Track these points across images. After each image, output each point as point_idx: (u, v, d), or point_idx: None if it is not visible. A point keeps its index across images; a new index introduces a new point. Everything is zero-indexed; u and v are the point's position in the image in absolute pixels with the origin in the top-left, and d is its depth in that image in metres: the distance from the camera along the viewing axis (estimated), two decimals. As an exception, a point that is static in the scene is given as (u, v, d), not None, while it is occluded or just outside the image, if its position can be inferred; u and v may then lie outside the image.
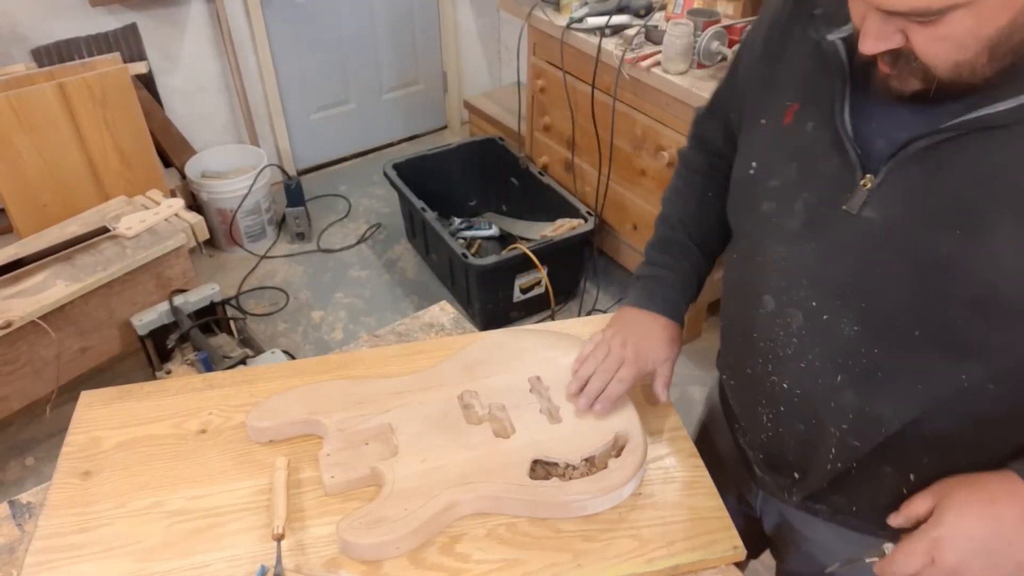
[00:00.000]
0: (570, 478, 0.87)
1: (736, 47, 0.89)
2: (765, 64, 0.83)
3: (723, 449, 1.03)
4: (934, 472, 0.75)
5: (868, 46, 0.64)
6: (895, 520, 0.75)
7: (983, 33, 0.60)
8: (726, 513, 0.88)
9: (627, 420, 0.93)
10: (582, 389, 0.94)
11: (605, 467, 0.88)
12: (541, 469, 0.88)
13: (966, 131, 0.65)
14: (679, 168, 1.06)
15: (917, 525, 0.73)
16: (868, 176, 0.71)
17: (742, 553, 0.84)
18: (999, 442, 0.74)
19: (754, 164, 0.82)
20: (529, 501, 0.85)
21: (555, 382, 0.98)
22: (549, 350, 1.04)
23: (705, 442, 1.07)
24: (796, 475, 0.88)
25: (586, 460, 0.89)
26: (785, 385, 0.82)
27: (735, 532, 0.86)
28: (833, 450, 0.80)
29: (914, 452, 0.76)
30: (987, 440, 0.74)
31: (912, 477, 0.78)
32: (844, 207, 0.72)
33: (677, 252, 1.01)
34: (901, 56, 0.64)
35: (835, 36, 0.72)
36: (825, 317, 0.75)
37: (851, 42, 0.70)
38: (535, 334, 1.09)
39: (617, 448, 0.90)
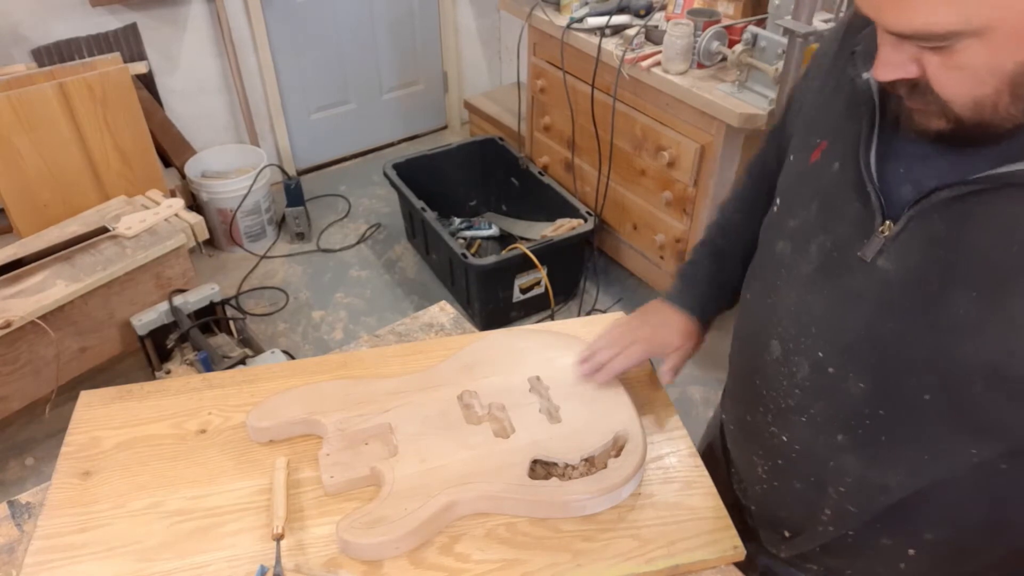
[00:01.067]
0: (569, 478, 0.87)
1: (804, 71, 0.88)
2: (811, 101, 0.80)
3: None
4: (938, 550, 0.72)
5: (880, 72, 0.61)
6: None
7: (1000, 67, 0.55)
8: (726, 513, 0.88)
9: (627, 420, 0.93)
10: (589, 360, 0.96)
11: (605, 467, 0.88)
12: (541, 469, 0.88)
13: (996, 186, 0.60)
14: (742, 175, 1.04)
15: None
16: (887, 223, 0.66)
17: (742, 553, 0.84)
18: (1015, 528, 0.69)
19: (778, 201, 0.80)
20: (529, 501, 0.85)
21: (555, 382, 0.98)
22: (549, 350, 1.04)
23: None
24: (787, 533, 0.86)
25: (586, 460, 0.89)
26: (784, 438, 0.79)
27: (735, 532, 0.86)
28: (828, 511, 0.78)
29: (916, 526, 0.73)
30: (1001, 523, 0.69)
31: (912, 552, 0.75)
32: (859, 253, 0.68)
33: (717, 256, 1.01)
34: (918, 88, 0.60)
35: (870, 74, 0.67)
36: (831, 370, 0.71)
37: (884, 84, 0.66)
38: (535, 334, 1.08)
39: (617, 448, 0.90)
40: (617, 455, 0.89)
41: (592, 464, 0.89)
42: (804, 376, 0.74)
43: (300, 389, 0.99)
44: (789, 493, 0.82)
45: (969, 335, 0.62)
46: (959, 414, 0.65)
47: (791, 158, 0.80)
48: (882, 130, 0.68)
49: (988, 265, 0.61)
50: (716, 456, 1.03)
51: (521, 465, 0.87)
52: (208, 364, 1.99)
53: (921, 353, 0.65)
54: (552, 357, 1.03)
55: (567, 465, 0.88)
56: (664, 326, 0.99)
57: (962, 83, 0.57)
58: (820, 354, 0.72)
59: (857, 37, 0.73)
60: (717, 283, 1.00)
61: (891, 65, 0.60)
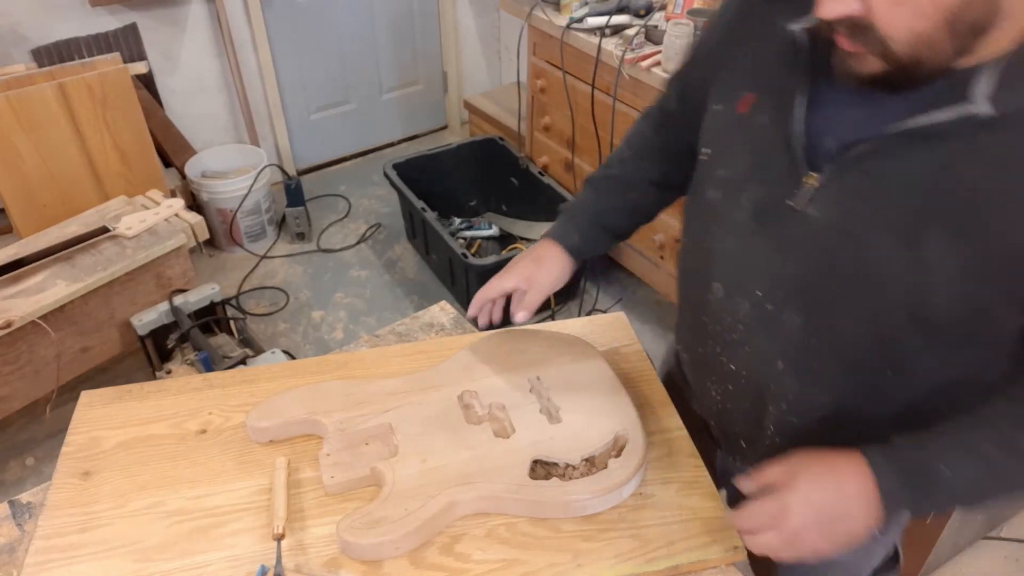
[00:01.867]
0: (570, 478, 0.87)
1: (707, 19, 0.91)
2: (727, 47, 0.83)
3: (682, 413, 1.04)
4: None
5: (825, 9, 0.62)
6: (746, 486, 0.77)
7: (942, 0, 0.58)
8: (726, 513, 0.88)
9: (627, 420, 0.93)
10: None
11: (605, 467, 0.88)
12: (541, 469, 0.88)
13: (907, 139, 0.65)
14: (637, 125, 1.06)
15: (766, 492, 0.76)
16: (813, 175, 0.71)
17: (742, 553, 0.84)
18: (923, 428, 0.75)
19: (706, 150, 0.84)
20: (529, 501, 0.85)
21: (555, 382, 0.98)
22: (549, 350, 1.04)
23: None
24: (743, 444, 0.94)
25: (586, 460, 0.89)
26: (732, 367, 0.87)
27: (735, 532, 0.86)
28: (772, 426, 0.86)
29: (848, 433, 0.77)
30: (914, 428, 0.75)
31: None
32: (789, 202, 0.73)
33: (600, 196, 1.04)
34: (858, 27, 0.62)
35: (800, 26, 0.71)
36: (769, 307, 0.78)
37: (815, 34, 0.69)
38: (535, 334, 1.09)
39: (617, 448, 0.90)
40: (618, 455, 0.89)
41: (593, 464, 0.89)
42: (745, 313, 0.81)
43: (300, 389, 0.99)
44: (740, 412, 0.90)
45: (889, 279, 0.68)
46: (882, 348, 0.72)
47: (717, 107, 0.82)
48: (813, 85, 0.71)
49: (902, 213, 0.66)
50: (676, 383, 1.07)
51: (522, 466, 0.87)
52: (208, 364, 1.99)
53: (848, 293, 0.71)
54: (552, 357, 1.03)
55: (567, 465, 0.88)
56: (539, 261, 1.00)
57: (904, 17, 0.59)
58: (758, 293, 0.78)
59: None
60: (598, 224, 1.03)
61: (836, 1, 0.62)
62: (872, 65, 0.64)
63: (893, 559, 1.01)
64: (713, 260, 0.83)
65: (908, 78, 0.63)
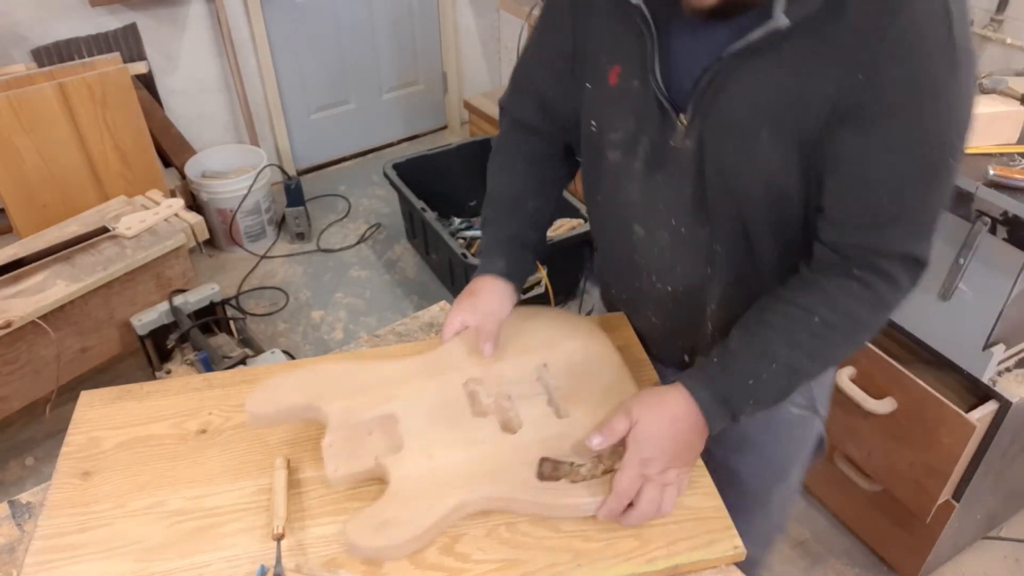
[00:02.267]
0: (578, 475, 0.86)
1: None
2: (573, 36, 0.93)
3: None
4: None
5: None
6: (597, 442, 0.84)
7: None
8: (726, 513, 0.88)
9: None
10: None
11: (612, 466, 0.87)
12: (548, 465, 0.88)
13: (736, 59, 0.76)
14: (499, 151, 1.14)
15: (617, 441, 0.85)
16: (681, 115, 0.83)
17: (742, 553, 0.84)
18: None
19: (593, 123, 0.94)
20: (537, 503, 0.85)
21: (562, 369, 0.98)
22: (555, 331, 1.03)
23: None
24: (686, 357, 1.05)
25: (595, 457, 0.88)
26: (669, 288, 0.98)
27: (735, 532, 0.86)
28: (710, 325, 0.98)
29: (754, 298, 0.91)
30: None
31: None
32: (672, 143, 0.86)
33: (512, 215, 1.09)
34: None
35: None
36: (683, 231, 0.91)
37: (651, 1, 0.80)
38: (542, 313, 1.08)
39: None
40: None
41: (600, 460, 0.88)
42: (667, 241, 0.93)
43: (301, 372, 0.97)
44: (681, 326, 1.02)
45: (742, 177, 0.82)
46: (766, 233, 0.87)
47: (588, 86, 0.93)
48: (660, 42, 0.82)
49: (742, 123, 0.80)
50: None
51: (530, 465, 0.87)
52: (208, 364, 1.99)
53: (725, 198, 0.85)
54: (559, 340, 1.02)
55: (574, 463, 0.87)
56: (475, 294, 1.02)
57: None
58: (672, 222, 0.91)
59: None
60: (515, 245, 1.07)
61: None
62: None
63: (820, 444, 1.13)
64: (627, 208, 0.95)
65: (738, 5, 0.74)
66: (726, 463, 1.08)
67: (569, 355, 1.00)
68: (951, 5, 0.70)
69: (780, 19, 0.72)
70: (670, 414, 0.84)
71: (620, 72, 0.88)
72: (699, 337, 1.01)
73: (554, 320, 1.06)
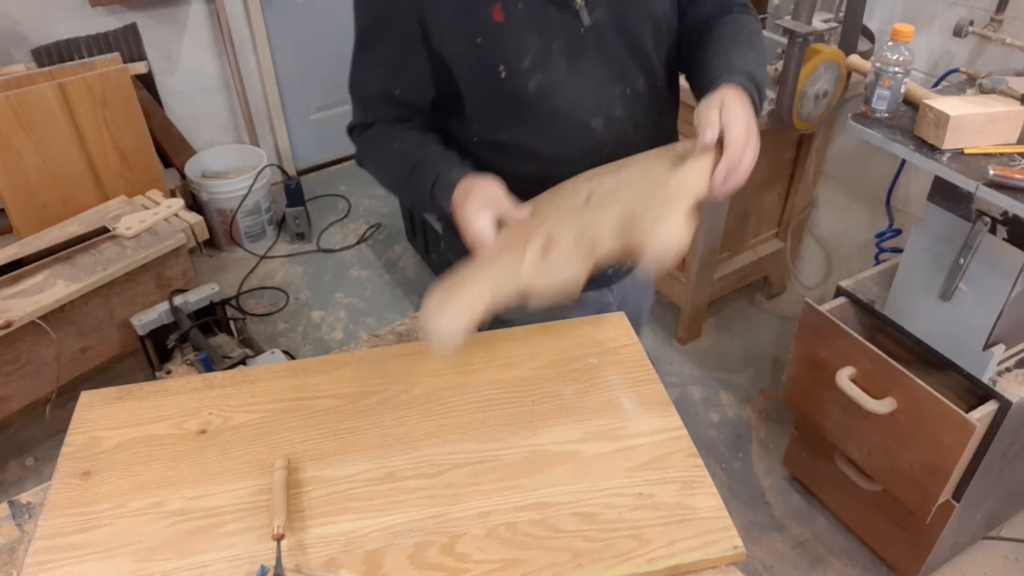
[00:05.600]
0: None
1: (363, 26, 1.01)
2: (427, 8, 0.94)
3: None
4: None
5: None
6: (709, 136, 0.91)
7: None
8: (726, 513, 0.88)
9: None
10: None
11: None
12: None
13: None
14: (369, 151, 1.09)
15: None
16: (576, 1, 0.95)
17: (742, 553, 0.84)
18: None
19: (500, 67, 0.97)
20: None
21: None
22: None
23: None
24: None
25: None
26: (597, 133, 1.05)
27: (735, 532, 0.86)
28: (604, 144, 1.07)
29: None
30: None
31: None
32: (581, 30, 0.97)
33: (416, 150, 1.05)
34: None
35: None
36: (628, 91, 1.05)
37: None
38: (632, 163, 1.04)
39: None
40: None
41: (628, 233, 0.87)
42: (624, 115, 1.06)
43: (455, 281, 0.91)
44: (583, 154, 1.05)
45: (639, 17, 1.01)
46: (660, 58, 1.06)
47: (478, 40, 0.95)
48: None
49: None
50: None
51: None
52: (208, 364, 1.99)
53: (639, 41, 1.02)
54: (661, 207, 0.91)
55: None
56: (468, 190, 0.95)
57: None
58: (617, 92, 1.04)
59: None
60: (454, 155, 1.04)
61: None
62: None
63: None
64: (580, 112, 1.03)
65: None
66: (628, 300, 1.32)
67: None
68: None
69: None
70: (744, 103, 0.94)
71: (502, 5, 0.93)
72: (591, 157, 1.05)
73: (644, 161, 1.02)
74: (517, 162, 1.05)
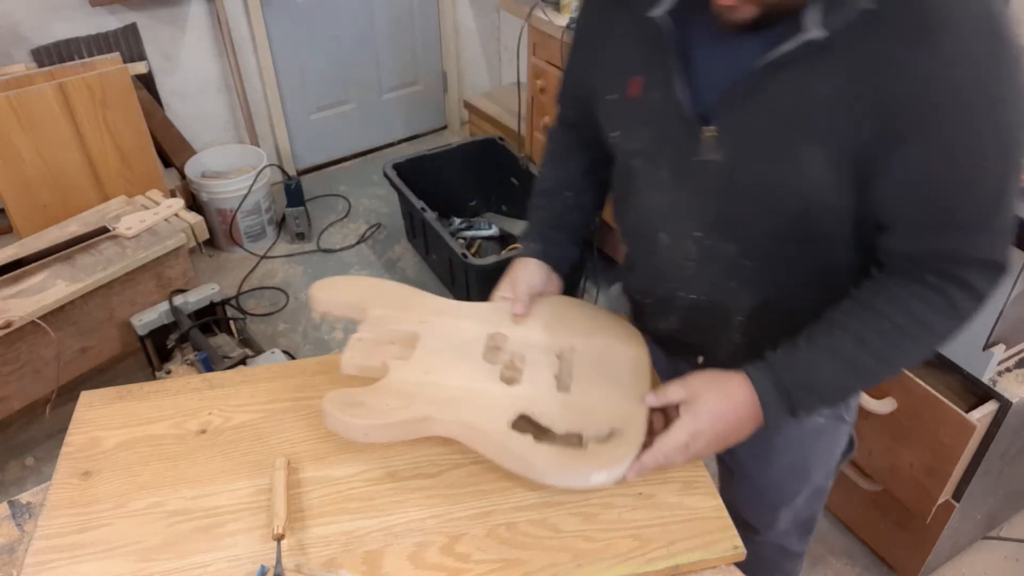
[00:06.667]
0: (546, 439, 0.87)
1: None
2: (595, 47, 0.94)
3: None
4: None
5: None
6: (649, 400, 0.89)
7: None
8: (726, 513, 0.88)
9: (632, 420, 0.90)
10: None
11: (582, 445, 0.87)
12: (526, 426, 0.88)
13: (768, 71, 0.75)
14: (547, 144, 1.19)
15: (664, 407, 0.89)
16: (707, 128, 0.82)
17: (742, 553, 0.84)
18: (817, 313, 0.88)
19: (615, 134, 0.94)
20: (498, 445, 0.86)
21: (587, 357, 0.98)
22: (596, 325, 1.04)
23: None
24: (700, 359, 1.05)
25: (573, 435, 0.87)
26: (693, 296, 0.98)
27: (735, 532, 0.86)
28: (737, 336, 0.98)
29: (793, 318, 0.89)
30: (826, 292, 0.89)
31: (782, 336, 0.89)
32: (696, 158, 0.84)
33: (551, 203, 1.13)
34: None
35: (658, 12, 0.80)
36: (709, 243, 0.90)
37: (674, 15, 0.80)
38: (592, 309, 1.09)
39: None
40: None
41: (578, 442, 0.88)
42: (693, 252, 0.93)
43: (368, 281, 1.07)
44: (703, 335, 1.02)
45: (779, 193, 0.81)
46: (797, 250, 0.87)
47: (609, 98, 0.92)
48: (682, 56, 0.82)
49: (777, 137, 0.78)
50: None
51: (508, 411, 0.89)
52: (208, 364, 1.99)
53: (760, 216, 0.85)
54: (596, 333, 1.03)
55: (549, 431, 0.88)
56: (511, 273, 1.08)
57: None
58: (697, 234, 0.90)
59: None
60: (552, 227, 1.12)
61: None
62: (746, 12, 0.74)
63: (850, 446, 1.16)
64: (652, 215, 0.96)
65: (773, 17, 0.74)
66: (749, 473, 1.15)
67: (601, 350, 1.00)
68: (992, 6, 0.70)
69: (815, 31, 0.71)
70: (732, 398, 0.84)
71: (643, 83, 0.87)
72: (720, 345, 1.01)
73: (599, 316, 1.07)
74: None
